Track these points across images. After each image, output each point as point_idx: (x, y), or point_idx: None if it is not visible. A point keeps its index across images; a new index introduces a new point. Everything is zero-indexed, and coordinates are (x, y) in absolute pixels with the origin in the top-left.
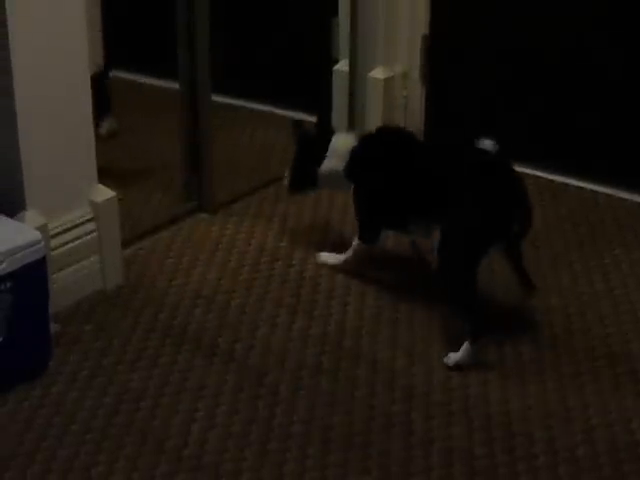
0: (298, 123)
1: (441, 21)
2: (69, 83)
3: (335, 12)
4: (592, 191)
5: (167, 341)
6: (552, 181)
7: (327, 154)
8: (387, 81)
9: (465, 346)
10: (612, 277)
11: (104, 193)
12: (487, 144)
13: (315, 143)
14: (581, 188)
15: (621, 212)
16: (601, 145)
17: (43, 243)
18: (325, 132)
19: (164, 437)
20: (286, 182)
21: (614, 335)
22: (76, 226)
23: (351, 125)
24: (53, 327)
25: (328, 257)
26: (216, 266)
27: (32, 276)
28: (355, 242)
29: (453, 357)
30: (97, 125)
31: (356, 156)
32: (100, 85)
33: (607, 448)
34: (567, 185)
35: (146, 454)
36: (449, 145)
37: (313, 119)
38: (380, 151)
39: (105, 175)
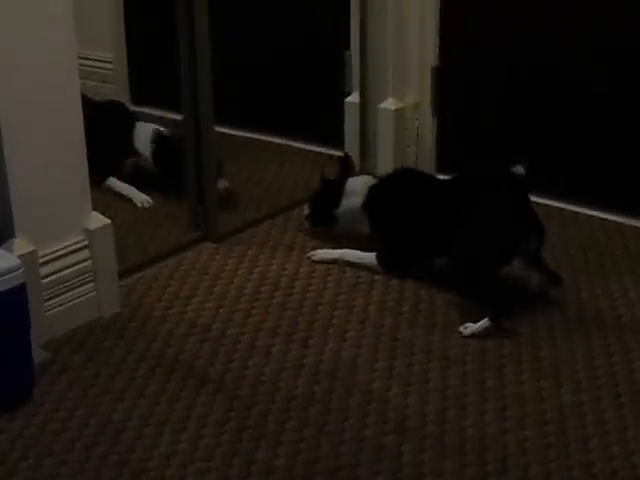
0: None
1: (450, 52)
2: (60, 106)
3: (347, 45)
4: (601, 219)
5: (157, 370)
6: (562, 209)
7: (344, 194)
8: (398, 112)
9: (484, 321)
10: (619, 304)
11: (98, 220)
12: (518, 169)
13: (335, 185)
14: (591, 216)
15: (630, 240)
16: (611, 174)
17: (22, 270)
18: (344, 175)
19: (141, 470)
20: (306, 214)
21: (619, 363)
22: (69, 253)
23: (363, 156)
24: (42, 355)
25: (324, 254)
26: (216, 295)
27: (11, 303)
28: (373, 259)
29: (470, 328)
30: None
31: (375, 192)
32: None
33: None
34: (577, 213)
35: None
36: (467, 177)
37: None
38: (400, 186)
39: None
